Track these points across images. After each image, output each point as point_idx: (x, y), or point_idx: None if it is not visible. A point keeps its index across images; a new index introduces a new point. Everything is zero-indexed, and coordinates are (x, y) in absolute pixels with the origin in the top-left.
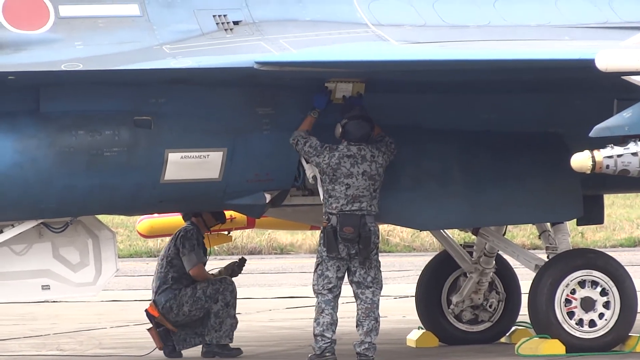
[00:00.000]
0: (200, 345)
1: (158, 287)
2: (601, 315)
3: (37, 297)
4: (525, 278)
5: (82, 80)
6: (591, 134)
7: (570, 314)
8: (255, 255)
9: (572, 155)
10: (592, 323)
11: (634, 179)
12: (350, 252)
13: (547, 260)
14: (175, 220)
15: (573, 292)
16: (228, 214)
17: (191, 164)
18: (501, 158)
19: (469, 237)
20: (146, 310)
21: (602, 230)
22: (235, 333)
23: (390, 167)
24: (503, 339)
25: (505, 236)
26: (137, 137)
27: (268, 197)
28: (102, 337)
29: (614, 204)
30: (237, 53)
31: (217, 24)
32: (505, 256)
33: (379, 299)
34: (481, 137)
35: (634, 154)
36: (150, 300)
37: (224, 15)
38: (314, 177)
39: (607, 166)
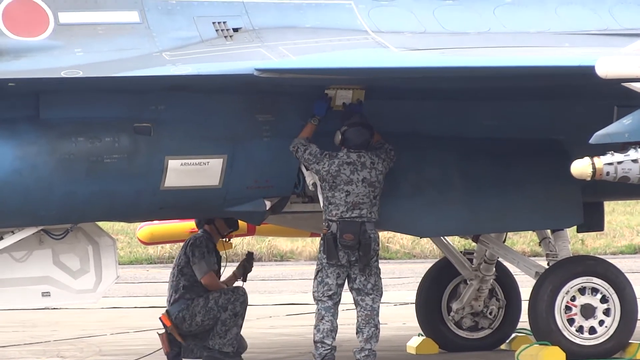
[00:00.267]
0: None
1: (171, 296)
2: (601, 322)
3: (37, 303)
4: (526, 285)
5: (82, 87)
6: (591, 141)
7: (571, 321)
8: (256, 263)
9: (572, 162)
10: (592, 330)
11: (634, 186)
12: (350, 259)
13: (547, 267)
14: (175, 227)
15: (573, 299)
16: None
17: (191, 171)
18: (501, 165)
19: (469, 244)
20: (160, 318)
21: (603, 237)
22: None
23: (390, 174)
24: (503, 346)
25: (505, 243)
26: (137, 144)
27: (268, 204)
28: (102, 344)
29: (614, 211)
30: (237, 60)
31: (216, 30)
32: (506, 263)
33: (379, 306)
34: (481, 144)
35: (634, 160)
36: (165, 307)
37: (224, 22)
38: (314, 184)
39: (607, 173)
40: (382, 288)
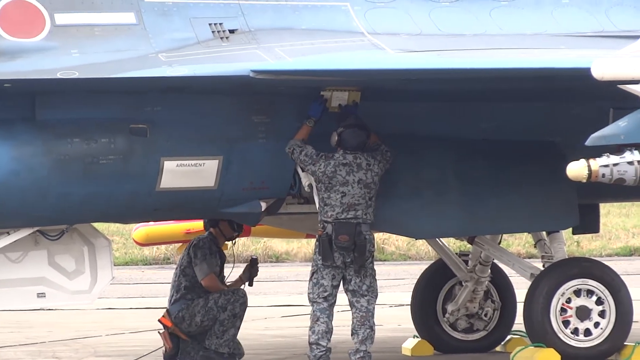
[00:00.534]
0: None
1: (172, 296)
2: (597, 324)
3: (32, 304)
4: (521, 287)
5: (78, 88)
6: (587, 143)
7: (566, 323)
8: (244, 264)
9: (568, 164)
10: (587, 332)
11: (629, 188)
12: (345, 261)
13: (542, 269)
14: (171, 228)
15: (568, 301)
16: None
17: (187, 172)
18: (497, 167)
19: (464, 245)
20: (159, 320)
21: (598, 239)
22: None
23: (386, 176)
24: (498, 348)
25: (500, 245)
26: (133, 145)
27: (264, 205)
28: (97, 345)
29: (610, 212)
30: (233, 61)
31: (213, 32)
32: (501, 265)
33: (374, 308)
34: (477, 145)
35: (630, 162)
36: (161, 308)
37: (220, 24)
38: (310, 186)
39: (603, 175)
40: (377, 289)
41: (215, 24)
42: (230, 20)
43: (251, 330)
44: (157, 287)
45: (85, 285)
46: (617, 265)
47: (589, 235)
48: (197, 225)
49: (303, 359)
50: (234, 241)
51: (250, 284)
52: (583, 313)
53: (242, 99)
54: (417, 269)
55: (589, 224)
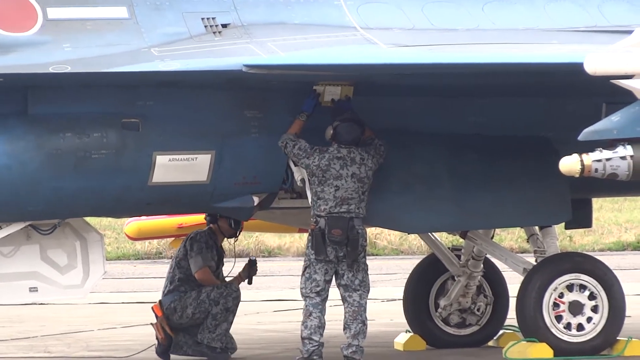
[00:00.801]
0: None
1: (165, 287)
2: (589, 319)
3: (24, 299)
4: (514, 282)
5: (70, 82)
6: (580, 138)
7: (558, 318)
8: (243, 258)
9: (560, 159)
10: (580, 327)
11: (622, 183)
12: (338, 255)
13: (535, 263)
14: (163, 222)
15: (561, 295)
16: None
17: (179, 167)
18: (490, 161)
19: (457, 240)
20: (152, 308)
21: (591, 234)
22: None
23: (378, 170)
24: (491, 343)
25: (493, 239)
26: (125, 140)
27: (256, 199)
28: (89, 340)
29: (602, 207)
30: (226, 56)
31: (205, 26)
32: (494, 259)
33: (366, 302)
34: (470, 140)
35: (623, 157)
36: (154, 302)
37: (213, 18)
38: (302, 180)
39: (596, 170)
40: (369, 284)
41: (207, 19)
42: (222, 14)
43: (243, 324)
44: (149, 281)
45: (77, 279)
46: (610, 260)
47: (581, 230)
48: (190, 219)
49: (295, 353)
50: (235, 239)
51: (250, 282)
52: (576, 308)
53: (234, 94)
54: (409, 264)
55: (581, 218)
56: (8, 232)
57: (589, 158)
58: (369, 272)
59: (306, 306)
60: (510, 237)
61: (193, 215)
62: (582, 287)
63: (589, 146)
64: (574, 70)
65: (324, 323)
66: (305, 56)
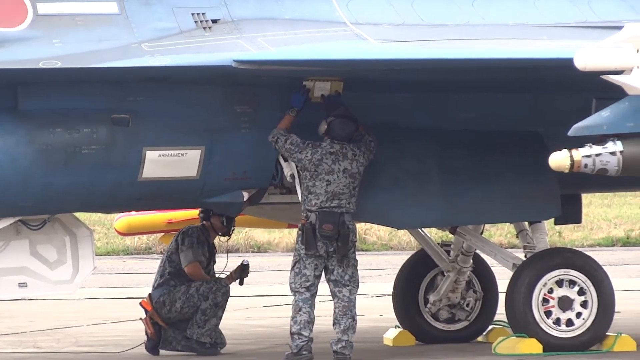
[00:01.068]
0: (180, 352)
1: (155, 281)
2: (579, 315)
3: (14, 294)
4: (503, 277)
5: (60, 77)
6: (570, 133)
7: (548, 313)
8: (233, 254)
9: (550, 155)
10: (569, 322)
11: (612, 178)
12: (328, 250)
13: (524, 259)
14: (152, 218)
15: (550, 291)
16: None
17: (169, 162)
18: (479, 157)
19: (446, 235)
20: (140, 303)
21: (580, 230)
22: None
23: (368, 166)
24: (480, 338)
25: (482, 235)
26: (115, 135)
27: (246, 195)
28: (79, 335)
29: (592, 203)
30: (216, 51)
31: (195, 22)
32: (483, 255)
33: (355, 298)
34: (459, 136)
35: (612, 153)
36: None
37: (203, 14)
38: (292, 176)
39: (586, 165)
40: (359, 280)
41: (197, 14)
42: (212, 10)
43: (233, 320)
44: (139, 277)
45: (67, 275)
46: (599, 256)
47: (570, 226)
48: (179, 215)
49: (285, 348)
50: (228, 237)
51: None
52: (565, 303)
53: (224, 89)
54: (399, 259)
55: (571, 214)
56: None
57: (578, 153)
58: (358, 267)
59: (295, 301)
60: (500, 232)
61: (183, 210)
62: (572, 283)
63: (578, 141)
64: (564, 66)
65: (314, 318)
66: (295, 52)
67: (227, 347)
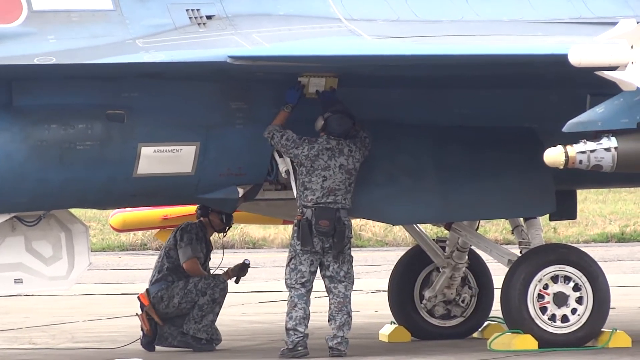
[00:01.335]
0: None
1: (153, 276)
2: (574, 311)
3: (9, 290)
4: (498, 273)
5: (55, 74)
6: (564, 129)
7: (543, 309)
8: (228, 250)
9: (545, 151)
10: (564, 318)
11: (606, 174)
12: (324, 246)
13: (520, 255)
14: (148, 214)
15: (546, 287)
16: (193, 208)
17: (164, 158)
18: (474, 153)
19: (441, 232)
20: (138, 297)
21: (575, 226)
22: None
23: (363, 162)
24: (475, 334)
25: (478, 231)
26: (110, 131)
27: (241, 191)
28: (74, 331)
29: (587, 199)
30: (210, 47)
31: (190, 18)
32: (478, 251)
33: (351, 294)
34: (454, 132)
35: (607, 149)
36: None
37: (197, 10)
38: (287, 172)
39: (580, 161)
40: (354, 276)
41: (192, 10)
42: (207, 6)
43: (228, 316)
44: (134, 273)
45: (62, 271)
46: (594, 252)
47: (566, 222)
48: (175, 211)
49: (280, 344)
50: (224, 234)
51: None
52: (560, 299)
53: (219, 85)
54: (394, 255)
55: (566, 210)
56: None
57: (573, 150)
58: (354, 263)
59: (291, 297)
60: (495, 228)
61: (178, 206)
62: (567, 279)
63: (573, 138)
64: (559, 62)
65: (309, 314)
66: (290, 47)
67: (222, 343)
